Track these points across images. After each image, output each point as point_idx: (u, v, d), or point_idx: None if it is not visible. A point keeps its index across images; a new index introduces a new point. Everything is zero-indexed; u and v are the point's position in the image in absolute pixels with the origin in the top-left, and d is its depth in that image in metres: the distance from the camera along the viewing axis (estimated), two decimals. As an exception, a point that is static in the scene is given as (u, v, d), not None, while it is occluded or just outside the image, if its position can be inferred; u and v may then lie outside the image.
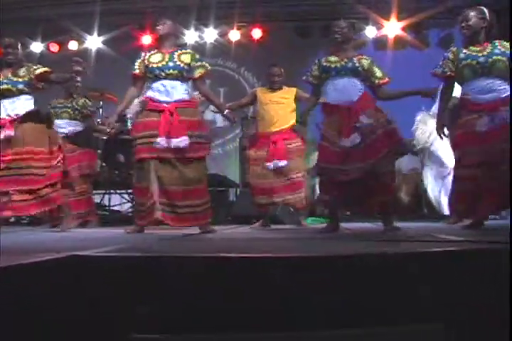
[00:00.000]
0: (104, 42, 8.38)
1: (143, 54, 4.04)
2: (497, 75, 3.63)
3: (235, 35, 8.14)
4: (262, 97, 5.11)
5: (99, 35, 8.31)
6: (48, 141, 4.27)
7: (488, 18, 3.68)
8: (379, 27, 8.02)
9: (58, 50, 8.63)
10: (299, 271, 1.71)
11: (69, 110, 5.43)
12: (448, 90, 3.84)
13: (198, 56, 4.04)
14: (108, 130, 4.41)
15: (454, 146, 3.87)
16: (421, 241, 2.26)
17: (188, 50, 4.09)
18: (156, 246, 2.64)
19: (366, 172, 3.56)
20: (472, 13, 3.69)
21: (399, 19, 7.81)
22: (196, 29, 8.19)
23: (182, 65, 3.91)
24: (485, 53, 3.63)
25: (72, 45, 8.54)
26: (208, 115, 8.46)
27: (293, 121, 5.02)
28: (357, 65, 3.73)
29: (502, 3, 7.15)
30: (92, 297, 1.74)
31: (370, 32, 8.02)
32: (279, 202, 5.02)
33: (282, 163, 4.85)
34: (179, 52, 3.99)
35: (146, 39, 7.98)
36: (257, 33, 8.10)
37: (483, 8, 3.74)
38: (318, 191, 4.41)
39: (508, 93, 3.61)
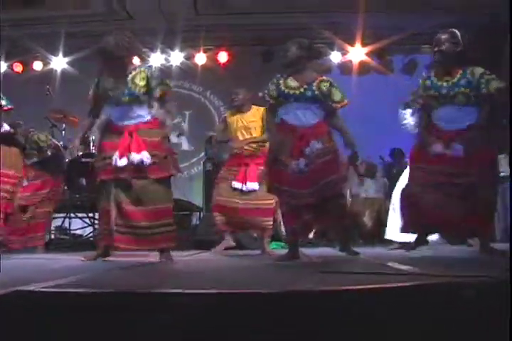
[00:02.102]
0: (69, 63, 8.31)
1: (96, 79, 3.89)
2: (460, 105, 3.68)
3: (201, 58, 8.16)
4: (231, 122, 5.11)
5: (64, 55, 8.26)
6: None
7: (461, 41, 3.61)
8: (344, 52, 8.13)
9: (22, 70, 8.53)
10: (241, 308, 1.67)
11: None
12: (423, 118, 3.82)
13: (155, 74, 3.86)
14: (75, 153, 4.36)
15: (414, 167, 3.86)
16: (376, 274, 2.23)
17: (142, 69, 3.82)
18: (108, 279, 2.57)
19: (315, 198, 3.55)
20: (444, 37, 3.63)
21: (363, 45, 7.94)
22: (162, 52, 8.18)
23: (137, 89, 3.75)
24: (450, 84, 3.63)
25: (37, 66, 8.45)
26: (173, 138, 8.46)
27: (266, 144, 5.01)
28: (316, 92, 3.67)
29: (482, 23, 7.35)
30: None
31: (335, 57, 8.13)
32: (241, 225, 4.96)
33: (254, 185, 4.83)
34: (133, 73, 3.78)
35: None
36: (223, 57, 8.15)
37: (456, 31, 3.64)
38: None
39: (470, 122, 3.66)
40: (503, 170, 6.17)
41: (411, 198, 3.71)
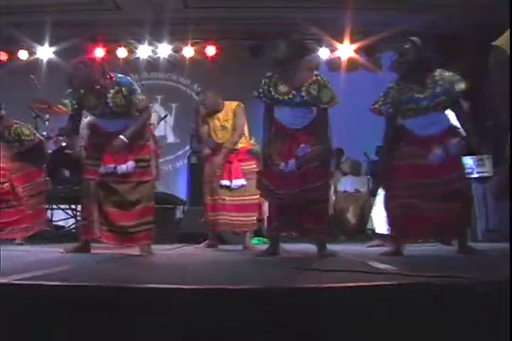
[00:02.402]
0: (56, 53, 8.22)
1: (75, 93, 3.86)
2: (439, 111, 3.68)
3: (189, 51, 8.12)
4: (208, 122, 5.09)
5: (50, 45, 8.17)
6: None
7: (423, 49, 3.62)
8: (332, 49, 8.12)
9: (7, 59, 8.43)
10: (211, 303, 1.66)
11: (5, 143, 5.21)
12: (393, 125, 3.80)
13: (133, 87, 3.85)
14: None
15: (392, 175, 3.80)
16: (352, 272, 2.23)
17: (120, 86, 3.81)
18: (85, 272, 2.55)
19: (299, 199, 3.56)
20: (407, 47, 3.64)
21: (352, 42, 7.93)
22: (150, 44, 8.12)
23: (117, 108, 3.81)
24: (427, 94, 3.60)
25: (22, 55, 8.36)
26: (160, 131, 8.42)
27: (244, 139, 4.99)
28: (305, 97, 3.60)
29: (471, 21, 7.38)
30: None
31: (324, 53, 8.12)
32: (232, 222, 4.92)
33: (241, 181, 4.82)
34: (112, 91, 3.79)
35: (99, 52, 7.89)
36: (210, 50, 8.12)
37: (416, 39, 3.65)
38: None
39: (448, 125, 3.70)
40: (487, 171, 6.24)
41: (394, 211, 3.69)
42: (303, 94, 3.62)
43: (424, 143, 3.62)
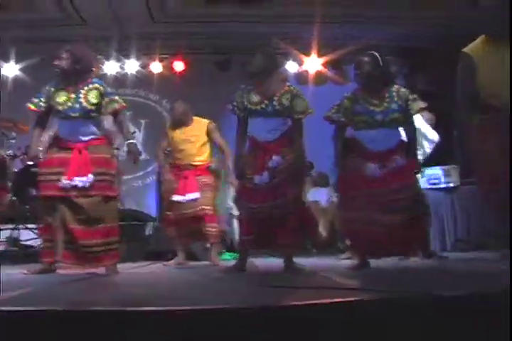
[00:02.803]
0: (21, 70, 8.12)
1: (46, 88, 3.84)
2: (392, 127, 3.71)
3: (156, 66, 8.09)
4: (171, 135, 5.05)
5: (16, 62, 8.06)
6: None
7: (381, 64, 3.67)
8: (300, 62, 8.17)
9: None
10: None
11: None
12: (342, 135, 3.84)
13: (108, 90, 3.84)
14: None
15: (342, 187, 3.84)
16: (317, 288, 2.22)
17: (97, 85, 3.80)
18: (46, 294, 2.49)
19: (273, 212, 3.55)
20: (365, 59, 3.68)
21: (319, 55, 8.00)
22: (117, 60, 8.07)
23: (88, 106, 3.73)
24: (382, 108, 3.65)
25: (-13, 72, 8.24)
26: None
27: (206, 156, 4.98)
28: (277, 107, 3.67)
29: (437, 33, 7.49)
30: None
31: (292, 67, 8.16)
32: (190, 235, 4.94)
33: (195, 195, 4.79)
34: (86, 89, 3.75)
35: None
36: (178, 66, 8.10)
37: (375, 53, 3.71)
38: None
39: (399, 142, 3.75)
40: (454, 181, 6.31)
41: (351, 225, 3.69)
42: (275, 103, 3.67)
43: (373, 158, 3.64)
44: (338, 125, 3.80)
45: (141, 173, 8.28)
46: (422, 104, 3.73)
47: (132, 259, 5.88)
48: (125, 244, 6.08)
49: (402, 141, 3.82)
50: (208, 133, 5.02)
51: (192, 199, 4.82)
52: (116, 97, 3.86)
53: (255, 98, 3.71)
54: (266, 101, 3.68)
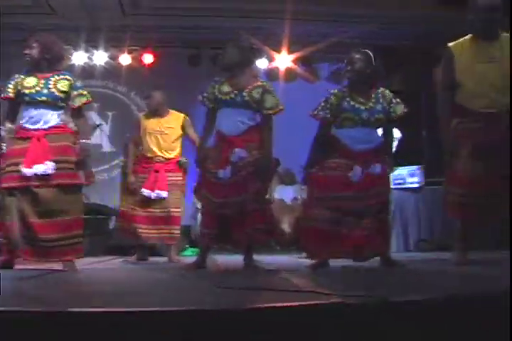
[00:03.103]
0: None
1: (16, 75, 3.76)
2: (374, 128, 3.72)
3: (125, 59, 7.99)
4: (145, 125, 4.96)
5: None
6: None
7: (373, 62, 3.67)
8: (270, 58, 8.15)
9: None
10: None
11: None
12: (327, 133, 3.78)
13: (78, 84, 3.80)
14: None
15: (316, 185, 3.77)
16: (269, 290, 2.19)
17: (67, 76, 3.74)
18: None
19: (236, 207, 3.52)
20: (357, 57, 3.66)
21: (290, 52, 7.99)
22: (86, 50, 7.93)
23: (57, 93, 3.66)
24: (368, 107, 3.64)
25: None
26: (97, 139, 8.24)
27: (177, 151, 4.92)
28: (246, 98, 3.64)
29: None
30: None
31: (262, 63, 8.14)
32: (150, 234, 4.81)
33: (163, 193, 4.72)
34: (56, 78, 3.69)
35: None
36: (147, 58, 8.00)
37: (368, 52, 3.70)
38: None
39: (381, 143, 3.75)
40: (419, 181, 6.36)
41: (310, 223, 3.66)
42: (244, 94, 3.64)
43: (353, 158, 3.62)
44: (323, 122, 3.75)
45: (106, 166, 8.18)
46: (404, 109, 3.73)
47: (94, 254, 5.82)
48: (88, 237, 6.04)
49: (381, 142, 3.81)
50: (183, 128, 4.96)
51: (160, 198, 4.74)
52: (85, 92, 3.79)
53: (226, 88, 3.70)
54: (236, 92, 3.66)
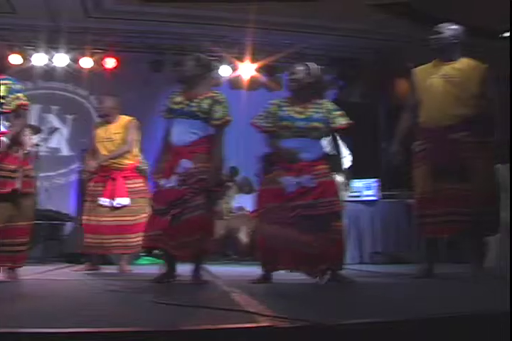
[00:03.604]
0: None
1: None
2: (312, 138, 3.73)
3: (87, 62, 7.88)
4: (97, 133, 4.87)
5: None
6: None
7: (314, 74, 3.71)
8: (234, 67, 8.15)
9: None
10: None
11: None
12: (273, 143, 3.76)
13: (18, 86, 3.64)
14: None
15: (263, 198, 3.74)
16: (208, 308, 2.17)
17: (6, 81, 3.60)
18: None
19: (177, 218, 3.49)
20: (300, 68, 3.72)
21: (253, 61, 8.00)
22: (46, 52, 7.80)
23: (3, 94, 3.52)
24: (304, 116, 3.66)
25: None
26: (53, 142, 8.12)
27: (134, 156, 4.84)
28: (194, 109, 3.62)
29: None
30: None
31: (225, 71, 8.13)
32: (110, 244, 4.68)
33: (124, 200, 4.64)
34: (3, 81, 3.54)
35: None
36: (109, 62, 7.91)
37: (310, 64, 3.76)
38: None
39: (321, 154, 3.75)
40: (375, 194, 6.43)
41: (261, 235, 3.65)
42: (193, 104, 3.64)
43: (294, 169, 3.63)
44: (264, 132, 3.77)
45: (64, 170, 8.06)
46: (346, 121, 3.76)
47: (45, 260, 5.71)
48: (40, 244, 5.93)
49: (325, 153, 3.82)
50: (128, 131, 4.81)
51: (121, 205, 4.66)
52: (21, 95, 3.67)
53: (179, 99, 3.70)
54: (186, 102, 3.66)
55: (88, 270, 4.71)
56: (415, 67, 4.13)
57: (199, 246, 3.56)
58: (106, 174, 4.78)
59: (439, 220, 3.78)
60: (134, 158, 4.89)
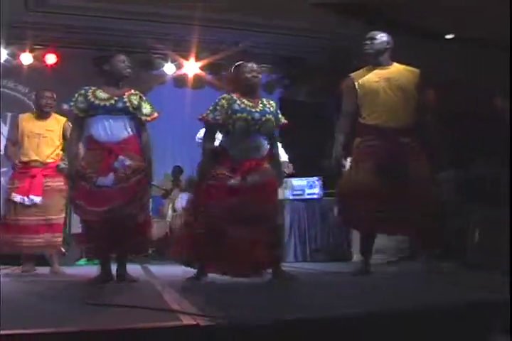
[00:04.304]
0: None
1: None
2: (264, 133, 3.74)
3: (27, 57, 7.65)
4: (25, 126, 4.75)
5: None
6: None
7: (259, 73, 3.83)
8: (178, 65, 8.08)
9: None
10: None
11: None
12: (213, 137, 3.78)
13: None
14: None
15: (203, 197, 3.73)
16: (139, 308, 2.13)
17: None
18: None
19: (119, 215, 3.44)
20: (250, 65, 3.79)
21: (197, 59, 7.96)
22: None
23: None
24: (258, 110, 3.70)
25: None
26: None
27: (58, 155, 4.74)
28: (127, 104, 3.65)
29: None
30: None
31: (169, 69, 8.05)
32: (30, 244, 4.60)
33: (37, 199, 4.53)
34: None
35: None
36: (50, 58, 7.71)
37: (252, 62, 3.85)
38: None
39: (267, 152, 3.79)
40: (317, 193, 6.48)
41: (197, 234, 3.58)
42: (125, 100, 3.67)
43: (237, 167, 3.62)
44: (211, 126, 3.73)
45: (4, 169, 7.82)
46: (284, 120, 3.90)
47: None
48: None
49: (269, 151, 3.83)
50: (64, 132, 4.77)
51: (35, 204, 4.54)
52: None
53: (103, 94, 3.67)
54: (116, 98, 3.66)
55: (24, 272, 4.60)
56: (363, 66, 4.20)
57: (135, 247, 3.53)
58: (26, 171, 4.67)
59: (372, 216, 3.83)
60: (57, 157, 4.78)
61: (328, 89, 8.43)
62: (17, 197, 4.55)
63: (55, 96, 4.86)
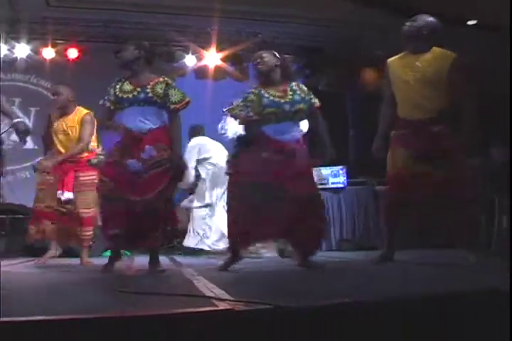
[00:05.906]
0: None
1: None
2: (296, 120, 3.76)
3: (49, 52, 7.70)
4: (53, 124, 4.78)
5: None
6: None
7: (279, 58, 3.80)
8: (199, 56, 8.08)
9: None
10: None
11: None
12: (253, 133, 3.77)
13: None
14: None
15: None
16: (181, 296, 2.13)
17: None
18: None
19: (145, 206, 3.44)
20: (265, 54, 3.78)
21: (218, 50, 7.94)
22: (6, 42, 7.59)
23: None
24: (287, 100, 3.68)
25: None
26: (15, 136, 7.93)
27: (89, 149, 4.75)
28: (150, 94, 3.57)
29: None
30: None
31: (190, 61, 8.05)
32: (62, 234, 4.69)
33: (69, 194, 4.57)
34: None
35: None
36: (72, 53, 7.74)
37: (273, 51, 3.84)
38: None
39: (300, 133, 3.82)
40: (341, 181, 6.45)
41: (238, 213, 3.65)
42: (148, 90, 3.59)
43: (278, 150, 3.64)
44: (247, 122, 3.73)
45: (28, 164, 7.90)
46: (317, 101, 3.85)
47: (10, 255, 5.62)
48: (4, 238, 5.84)
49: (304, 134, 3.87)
50: (82, 123, 4.66)
51: (68, 199, 4.59)
52: None
53: (127, 87, 3.63)
54: (138, 89, 3.59)
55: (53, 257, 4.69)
56: (384, 55, 4.10)
57: (162, 236, 3.55)
58: (60, 166, 4.68)
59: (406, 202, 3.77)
60: (90, 151, 4.77)
61: (349, 79, 8.42)
62: (58, 194, 4.58)
63: (67, 92, 4.76)
